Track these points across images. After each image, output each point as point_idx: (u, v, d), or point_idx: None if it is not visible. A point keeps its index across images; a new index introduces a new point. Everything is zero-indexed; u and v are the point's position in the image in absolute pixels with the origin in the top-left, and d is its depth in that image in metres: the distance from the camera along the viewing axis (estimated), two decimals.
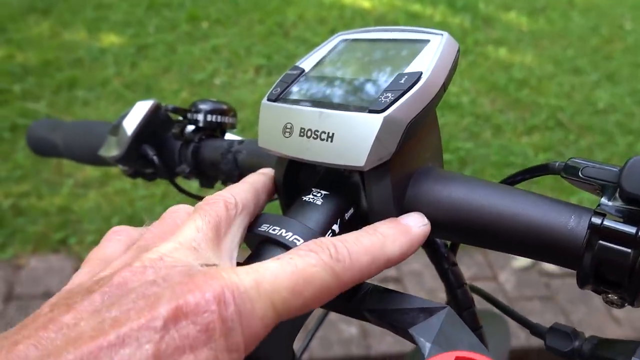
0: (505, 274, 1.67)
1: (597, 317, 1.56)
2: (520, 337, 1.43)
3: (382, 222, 0.29)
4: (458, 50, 0.33)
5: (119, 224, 1.47)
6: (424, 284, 1.59)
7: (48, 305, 0.21)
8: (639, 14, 3.50)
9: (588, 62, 2.90)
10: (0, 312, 1.46)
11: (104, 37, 2.68)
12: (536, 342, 1.50)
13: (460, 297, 0.40)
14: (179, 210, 0.29)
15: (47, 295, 1.50)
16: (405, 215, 0.30)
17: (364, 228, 0.28)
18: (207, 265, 0.24)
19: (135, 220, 1.74)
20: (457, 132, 2.26)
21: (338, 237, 0.26)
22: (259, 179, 0.33)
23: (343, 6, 3.13)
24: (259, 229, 0.30)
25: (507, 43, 2.98)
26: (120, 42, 2.65)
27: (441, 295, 1.60)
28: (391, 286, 1.58)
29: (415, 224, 0.29)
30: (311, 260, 0.24)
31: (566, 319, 1.55)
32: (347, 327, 1.46)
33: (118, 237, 0.28)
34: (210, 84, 2.44)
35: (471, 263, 1.69)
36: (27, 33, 2.67)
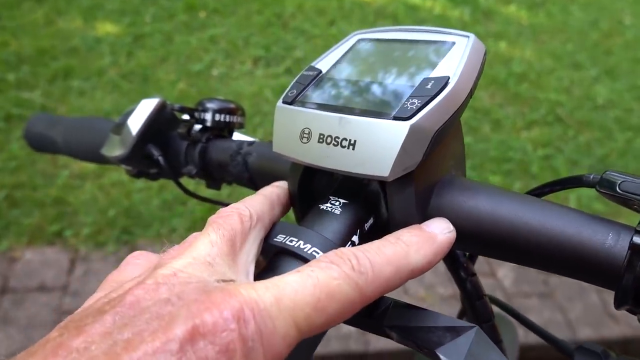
0: (503, 270, 1.67)
1: (594, 314, 1.56)
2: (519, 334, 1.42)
3: (405, 229, 0.28)
4: (485, 53, 0.32)
5: (116, 216, 1.46)
6: (423, 280, 1.59)
7: (57, 329, 0.20)
8: (638, 8, 3.49)
9: (587, 57, 2.89)
10: None
11: (99, 26, 2.64)
12: (534, 338, 1.51)
13: (479, 309, 0.39)
14: (199, 232, 0.27)
15: (43, 288, 1.49)
16: (430, 221, 0.29)
17: (386, 237, 0.27)
18: (223, 280, 0.23)
19: (131, 213, 1.72)
20: None
21: (359, 247, 0.25)
22: (274, 191, 0.32)
23: None
24: (275, 239, 0.29)
25: (506, 37, 2.96)
26: (117, 31, 2.61)
27: (440, 291, 1.60)
28: None
29: (441, 231, 0.28)
30: (333, 273, 0.22)
31: (564, 316, 1.55)
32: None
33: (137, 261, 0.26)
34: (207, 75, 2.41)
35: None
36: (21, 20, 2.63)
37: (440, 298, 1.54)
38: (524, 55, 2.83)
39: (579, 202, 1.92)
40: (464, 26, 2.99)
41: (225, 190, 1.61)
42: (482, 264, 1.68)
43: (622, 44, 3.06)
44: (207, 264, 0.23)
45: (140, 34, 2.61)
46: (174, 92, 2.24)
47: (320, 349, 1.40)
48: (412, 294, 1.56)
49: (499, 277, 1.65)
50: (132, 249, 1.66)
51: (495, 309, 0.42)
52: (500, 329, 0.44)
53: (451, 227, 0.29)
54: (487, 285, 1.62)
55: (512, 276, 1.65)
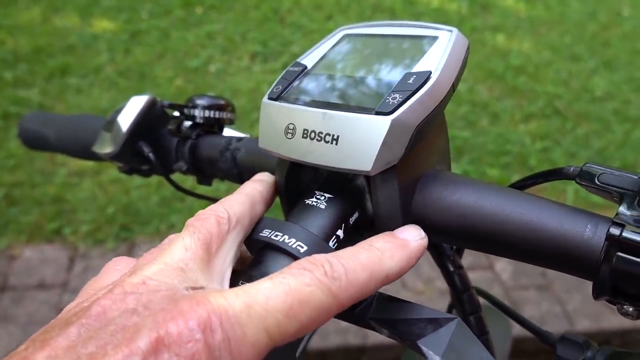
0: (501, 263, 1.67)
1: (593, 306, 1.57)
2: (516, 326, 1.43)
3: (378, 236, 0.28)
4: (468, 48, 0.32)
5: (114, 213, 1.46)
6: (420, 273, 1.59)
7: (27, 341, 0.20)
8: (636, 0, 3.48)
9: (585, 49, 2.89)
10: None
11: (96, 23, 2.63)
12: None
13: (466, 301, 0.39)
14: (175, 235, 0.27)
15: (42, 285, 1.50)
16: (402, 228, 0.29)
17: (359, 243, 0.27)
18: (193, 288, 0.22)
19: (130, 209, 1.73)
20: (454, 121, 2.25)
21: (333, 253, 0.25)
22: (256, 187, 0.32)
23: None
24: (261, 234, 0.29)
25: (504, 29, 2.95)
26: (113, 28, 2.60)
27: (439, 285, 1.61)
28: None
29: (413, 238, 0.28)
30: (305, 279, 0.22)
31: (562, 308, 1.56)
32: None
33: (116, 267, 0.26)
34: (205, 71, 2.41)
35: (467, 252, 1.69)
36: (17, 18, 2.62)
37: (438, 291, 1.55)
38: (521, 48, 2.82)
39: (576, 194, 1.92)
40: (461, 19, 2.98)
41: (224, 185, 1.61)
42: (480, 257, 1.69)
43: (620, 36, 3.06)
44: (179, 269, 0.23)
45: (137, 30, 2.61)
46: (171, 89, 2.24)
47: (319, 343, 1.41)
48: (411, 288, 1.56)
49: (497, 270, 1.66)
50: (131, 246, 1.67)
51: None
52: (492, 321, 0.45)
53: (423, 234, 0.29)
54: (485, 278, 1.63)
55: (510, 269, 1.66)
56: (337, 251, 0.25)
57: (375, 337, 1.41)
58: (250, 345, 0.20)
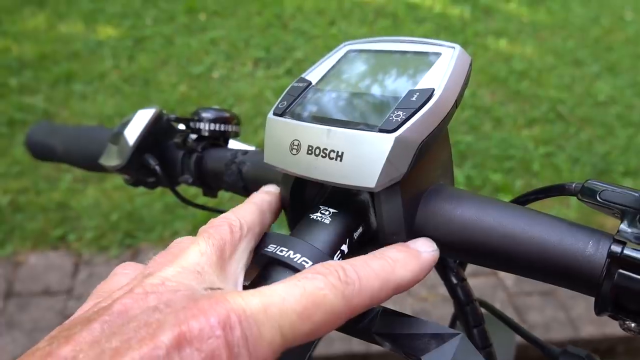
0: None
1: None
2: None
3: (391, 246, 0.28)
4: (470, 64, 0.32)
5: (118, 220, 1.47)
6: (424, 281, 1.59)
7: (47, 338, 0.20)
8: (639, 4, 3.48)
9: (588, 54, 2.89)
10: (0, 310, 1.45)
11: (100, 30, 2.65)
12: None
13: (469, 313, 0.39)
14: (184, 240, 0.28)
15: (47, 292, 1.50)
16: (415, 240, 0.30)
17: (372, 252, 0.27)
18: (211, 289, 0.23)
19: (134, 216, 1.73)
20: (457, 125, 2.25)
21: (346, 260, 0.25)
22: (264, 198, 0.33)
23: None
24: (266, 249, 0.30)
25: (507, 34, 2.96)
26: (117, 35, 2.62)
27: (442, 291, 1.60)
28: None
29: (425, 249, 0.29)
30: (319, 283, 0.23)
31: (566, 315, 1.55)
32: None
33: (125, 271, 0.26)
34: (208, 77, 2.42)
35: None
36: (22, 25, 2.64)
37: (442, 298, 1.55)
38: (524, 53, 2.82)
39: (580, 205, 1.92)
40: (464, 24, 2.99)
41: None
42: None
43: (623, 40, 3.06)
44: (195, 272, 0.24)
45: (141, 37, 2.62)
46: (175, 95, 2.25)
47: (324, 349, 1.41)
48: (414, 295, 1.57)
49: (501, 276, 1.66)
50: (135, 253, 1.67)
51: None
52: (496, 330, 0.45)
53: (435, 246, 0.29)
54: (489, 284, 1.63)
55: (514, 275, 1.66)
56: (351, 259, 0.26)
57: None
58: (267, 344, 0.20)
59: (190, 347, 0.19)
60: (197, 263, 0.25)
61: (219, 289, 0.24)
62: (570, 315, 1.55)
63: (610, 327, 1.53)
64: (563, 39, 2.99)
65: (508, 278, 1.65)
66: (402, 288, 0.27)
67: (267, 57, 2.57)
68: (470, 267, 1.80)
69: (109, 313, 0.20)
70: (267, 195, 0.33)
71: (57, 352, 0.19)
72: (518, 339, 0.67)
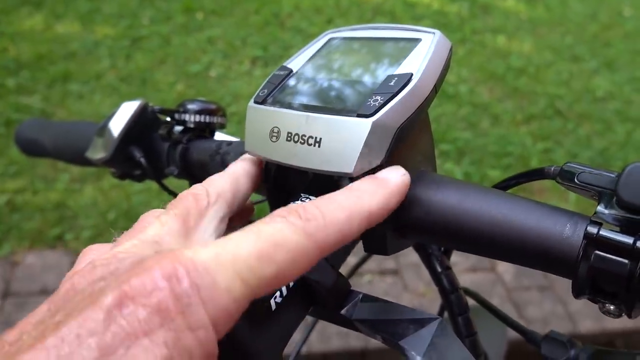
0: (503, 265, 1.67)
1: (595, 307, 1.56)
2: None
3: (359, 180, 0.27)
4: (450, 50, 0.32)
5: (116, 219, 1.46)
6: (422, 275, 1.59)
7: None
8: (637, 0, 3.47)
9: (586, 50, 2.88)
10: None
11: (97, 29, 2.65)
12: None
13: (454, 302, 0.39)
14: (149, 214, 0.27)
15: (44, 291, 1.50)
16: (382, 170, 0.29)
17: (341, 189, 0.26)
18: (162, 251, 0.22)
19: (131, 215, 1.73)
20: (455, 122, 2.25)
21: (310, 201, 0.24)
22: (240, 165, 0.32)
23: None
24: None
25: (505, 31, 2.95)
26: (114, 34, 2.62)
27: None
28: (389, 278, 1.57)
29: (394, 176, 0.28)
30: (276, 224, 0.22)
31: (564, 309, 1.55)
32: None
33: (87, 257, 0.25)
34: (205, 76, 2.42)
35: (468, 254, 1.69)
36: (19, 26, 2.64)
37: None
38: (522, 49, 2.82)
39: (579, 198, 1.92)
40: (462, 21, 2.99)
41: None
42: (482, 258, 1.68)
43: (621, 36, 3.05)
44: (153, 242, 0.23)
45: (138, 36, 2.62)
46: (172, 94, 2.25)
47: (321, 346, 1.41)
48: (412, 290, 1.56)
49: (499, 271, 1.65)
50: None
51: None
52: (488, 322, 0.45)
53: (403, 171, 0.28)
54: (487, 280, 1.62)
55: (513, 270, 1.65)
56: (316, 198, 0.25)
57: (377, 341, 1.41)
58: (224, 292, 0.19)
59: (133, 304, 0.18)
60: (157, 234, 0.24)
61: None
62: (569, 310, 1.55)
63: (609, 322, 1.52)
64: (561, 35, 2.99)
65: (506, 273, 1.65)
66: (373, 217, 0.25)
67: (264, 55, 2.57)
68: (468, 262, 1.80)
69: (56, 294, 0.20)
70: (242, 162, 0.32)
71: (3, 339, 0.18)
72: (511, 333, 0.67)
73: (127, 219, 1.72)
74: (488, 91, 2.49)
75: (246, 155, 0.34)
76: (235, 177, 0.30)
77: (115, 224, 1.71)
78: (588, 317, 1.53)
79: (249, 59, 2.54)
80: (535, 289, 1.61)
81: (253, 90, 2.32)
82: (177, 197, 0.27)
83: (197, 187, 0.28)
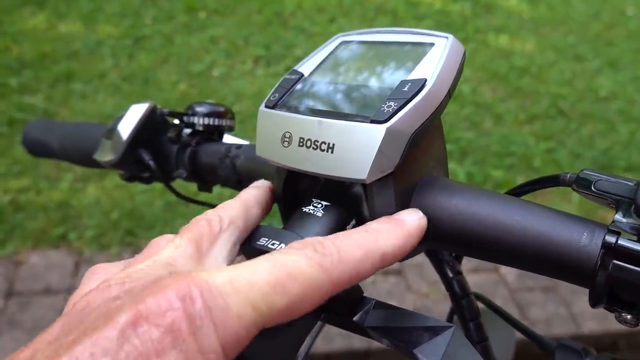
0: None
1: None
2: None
3: (375, 220, 0.28)
4: (464, 54, 0.32)
5: (119, 218, 1.46)
6: (425, 275, 1.59)
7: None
8: None
9: (589, 49, 2.88)
10: (1, 309, 1.45)
11: (100, 29, 2.65)
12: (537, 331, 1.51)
13: (465, 307, 0.39)
14: (162, 238, 0.27)
15: (48, 291, 1.50)
16: (400, 212, 0.29)
17: (357, 227, 0.27)
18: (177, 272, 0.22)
19: (135, 214, 1.73)
20: (457, 122, 2.24)
21: (326, 236, 0.24)
22: (251, 193, 0.32)
23: None
24: (258, 242, 0.29)
25: (507, 30, 2.95)
26: (117, 34, 2.62)
27: (443, 287, 1.60)
28: (393, 279, 1.57)
29: (410, 218, 0.28)
30: (292, 256, 0.22)
31: (568, 310, 1.55)
32: None
33: (97, 275, 0.25)
34: (208, 75, 2.42)
35: None
36: (22, 25, 2.64)
37: (443, 294, 1.54)
38: (525, 49, 2.81)
39: (582, 200, 1.91)
40: (464, 20, 2.98)
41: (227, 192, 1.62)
42: None
43: (624, 35, 3.04)
44: (167, 264, 0.23)
45: (141, 35, 2.62)
46: (175, 94, 2.25)
47: (324, 346, 1.41)
48: (415, 290, 1.56)
49: (503, 272, 1.65)
50: (136, 251, 1.67)
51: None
52: (495, 325, 0.45)
53: (421, 214, 0.28)
54: (490, 280, 1.62)
55: (516, 271, 1.65)
56: (332, 234, 0.25)
57: None
58: (235, 317, 0.19)
59: (147, 324, 0.18)
60: (170, 256, 0.24)
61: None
62: (572, 311, 1.55)
63: (613, 323, 1.52)
64: (564, 35, 2.98)
65: (509, 274, 1.64)
66: (388, 258, 0.25)
67: (267, 55, 2.56)
68: (471, 263, 1.80)
69: (70, 312, 0.20)
70: (254, 189, 0.32)
71: (17, 356, 0.18)
72: (518, 334, 0.67)
73: (131, 219, 1.72)
74: (491, 91, 2.49)
75: (258, 182, 0.34)
76: (247, 203, 0.30)
77: (118, 223, 1.71)
78: (591, 319, 1.53)
79: (251, 58, 2.54)
80: (539, 290, 1.61)
81: (256, 90, 2.32)
82: (191, 222, 0.27)
83: (210, 213, 0.28)
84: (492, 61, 2.67)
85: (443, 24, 2.93)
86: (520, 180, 2.00)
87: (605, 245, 0.24)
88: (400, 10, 3.00)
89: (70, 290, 1.51)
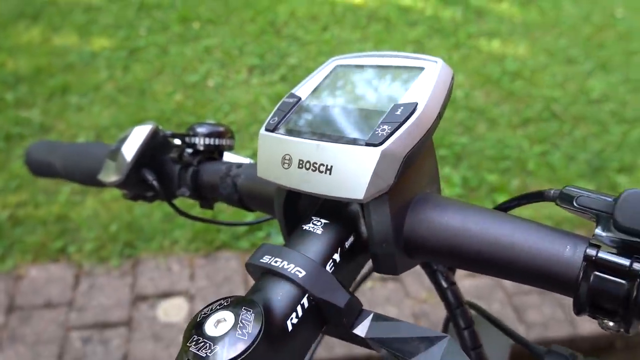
0: None
1: None
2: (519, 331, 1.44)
3: None
4: (452, 77, 0.33)
5: (118, 231, 1.47)
6: (423, 282, 1.60)
7: None
8: (630, 1, 3.51)
9: (581, 52, 2.91)
10: (3, 324, 1.46)
11: (95, 41, 2.66)
12: (534, 334, 1.51)
13: (460, 316, 0.40)
14: None
15: (49, 304, 1.51)
16: None
17: None
18: None
19: (133, 227, 1.74)
20: (451, 127, 2.27)
21: None
22: None
23: (334, 2, 3.12)
24: (261, 260, 0.31)
25: (499, 35, 2.98)
26: (112, 46, 2.63)
27: None
28: (391, 285, 1.57)
29: None
30: None
31: (564, 313, 1.56)
32: None
33: None
34: (203, 85, 2.43)
35: None
36: (17, 39, 2.66)
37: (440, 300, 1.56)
38: (517, 53, 2.85)
39: None
40: (456, 26, 3.01)
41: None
42: None
43: (615, 37, 3.08)
44: None
45: (136, 47, 2.63)
46: (170, 104, 2.27)
47: (324, 353, 1.42)
48: (413, 296, 1.58)
49: None
50: (135, 263, 1.68)
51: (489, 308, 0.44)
52: (490, 331, 0.46)
53: None
54: (487, 285, 1.64)
55: None
56: None
57: None
58: None
59: None
60: None
61: None
62: (569, 313, 1.57)
63: None
64: (555, 38, 3.02)
65: None
66: None
67: (261, 64, 2.58)
68: None
69: None
70: None
71: None
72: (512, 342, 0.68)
73: (129, 231, 1.73)
74: (484, 95, 2.51)
75: None
76: None
77: (117, 235, 1.72)
78: (588, 321, 1.54)
79: (246, 68, 2.56)
80: (536, 293, 1.62)
81: (251, 99, 2.34)
82: None
83: None
84: (485, 66, 2.70)
85: (435, 30, 2.96)
86: (515, 183, 2.02)
87: (587, 258, 0.26)
88: (393, 17, 3.02)
89: (70, 303, 1.52)
